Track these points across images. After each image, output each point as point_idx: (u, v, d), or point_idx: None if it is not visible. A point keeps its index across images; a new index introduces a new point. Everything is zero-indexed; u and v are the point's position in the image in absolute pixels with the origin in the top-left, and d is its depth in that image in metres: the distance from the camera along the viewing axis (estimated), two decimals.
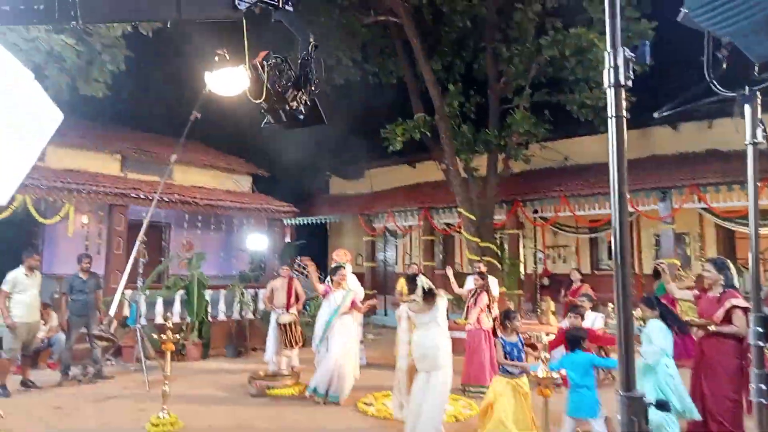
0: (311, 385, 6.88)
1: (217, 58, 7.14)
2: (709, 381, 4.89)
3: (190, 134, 8.41)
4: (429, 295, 5.13)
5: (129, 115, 15.22)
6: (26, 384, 7.43)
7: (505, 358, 4.99)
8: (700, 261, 12.99)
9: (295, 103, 3.26)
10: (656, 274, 8.39)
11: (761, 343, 2.11)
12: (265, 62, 3.18)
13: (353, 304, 7.28)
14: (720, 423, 4.75)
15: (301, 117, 3.35)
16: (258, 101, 3.15)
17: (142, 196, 10.80)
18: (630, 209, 11.71)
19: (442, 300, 5.29)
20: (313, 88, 3.30)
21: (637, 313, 5.49)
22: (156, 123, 15.16)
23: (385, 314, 15.52)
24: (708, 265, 5.23)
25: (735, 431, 4.64)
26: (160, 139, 15.03)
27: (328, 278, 7.57)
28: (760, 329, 2.12)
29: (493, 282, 8.46)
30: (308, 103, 3.33)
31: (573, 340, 4.78)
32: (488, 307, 7.68)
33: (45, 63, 9.05)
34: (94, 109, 13.66)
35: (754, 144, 2.38)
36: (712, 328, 4.91)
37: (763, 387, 2.11)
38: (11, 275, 7.28)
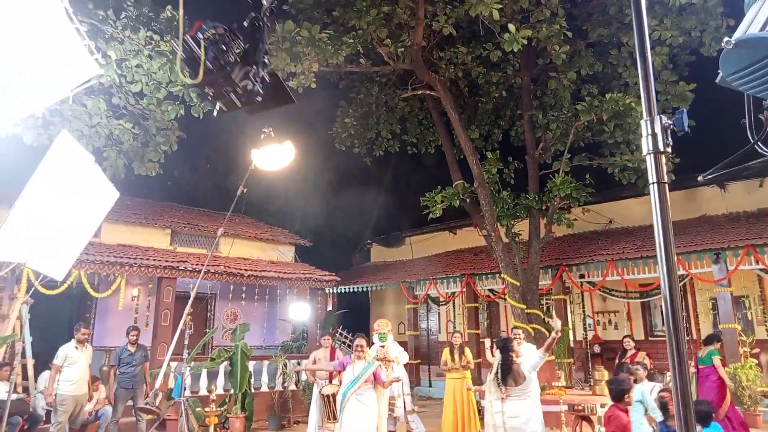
0: None
1: (262, 136, 7.51)
2: None
3: (235, 208, 8.75)
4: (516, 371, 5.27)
5: (179, 191, 15.99)
6: None
7: None
8: (764, 326, 12.25)
9: (247, 82, 2.62)
10: (707, 340, 7.81)
11: None
12: (201, 34, 2.50)
13: (377, 377, 6.41)
14: None
15: (260, 98, 2.71)
16: (195, 82, 2.52)
17: (189, 269, 11.10)
18: (682, 272, 11.36)
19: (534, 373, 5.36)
20: (266, 60, 2.69)
21: None
22: (204, 198, 15.90)
23: (430, 385, 15.08)
24: None
25: None
26: (208, 213, 15.67)
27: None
28: None
29: (530, 348, 8.20)
30: (266, 79, 2.72)
31: (702, 415, 4.32)
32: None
33: (104, 146, 9.70)
34: (146, 187, 14.44)
35: None
36: None
37: None
38: (62, 350, 7.49)
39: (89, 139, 8.69)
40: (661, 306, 13.94)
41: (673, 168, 10.64)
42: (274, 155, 7.33)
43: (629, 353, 9.00)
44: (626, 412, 4.52)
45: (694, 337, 13.09)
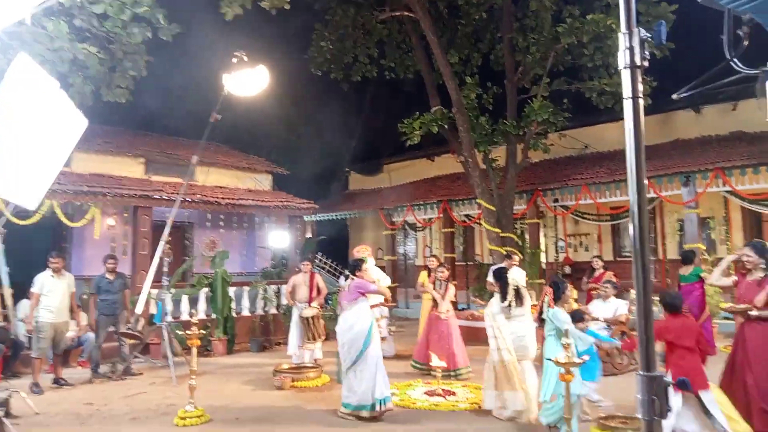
0: (353, 402, 5.82)
1: (235, 60, 7.24)
2: (754, 368, 4.70)
3: (211, 136, 8.56)
4: (519, 293, 5.79)
5: (151, 119, 15.50)
6: (58, 382, 7.67)
7: None
8: (726, 245, 12.77)
9: None
10: (686, 259, 8.27)
11: None
12: None
13: (363, 289, 6.17)
14: (763, 411, 4.57)
15: None
16: None
17: (165, 198, 11.01)
18: (653, 195, 11.64)
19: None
20: None
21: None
22: (178, 126, 15.45)
23: (407, 306, 15.59)
24: (747, 249, 5.10)
25: None
26: (182, 141, 15.34)
27: (346, 276, 7.33)
28: None
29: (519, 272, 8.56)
30: None
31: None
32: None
33: (69, 72, 9.29)
34: (117, 115, 13.98)
35: None
36: (753, 313, 4.79)
37: None
38: (38, 278, 7.53)
39: (52, 64, 8.31)
40: (630, 228, 14.50)
41: (649, 91, 10.65)
42: (247, 80, 7.12)
43: (597, 272, 9.38)
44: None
45: (660, 257, 13.62)
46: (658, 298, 4.75)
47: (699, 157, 11.57)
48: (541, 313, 5.30)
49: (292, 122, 19.66)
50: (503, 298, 5.84)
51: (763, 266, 4.85)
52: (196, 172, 13.37)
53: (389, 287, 8.76)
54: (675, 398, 4.25)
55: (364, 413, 5.71)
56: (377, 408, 5.72)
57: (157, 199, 11.06)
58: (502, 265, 7.95)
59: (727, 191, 11.35)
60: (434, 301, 8.28)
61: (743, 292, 4.96)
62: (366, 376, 5.77)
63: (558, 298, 5.21)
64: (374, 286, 6.40)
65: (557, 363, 4.21)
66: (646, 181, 1.70)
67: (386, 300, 7.89)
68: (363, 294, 6.12)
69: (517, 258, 9.09)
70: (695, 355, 4.50)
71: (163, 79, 13.29)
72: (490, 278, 8.75)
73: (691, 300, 7.60)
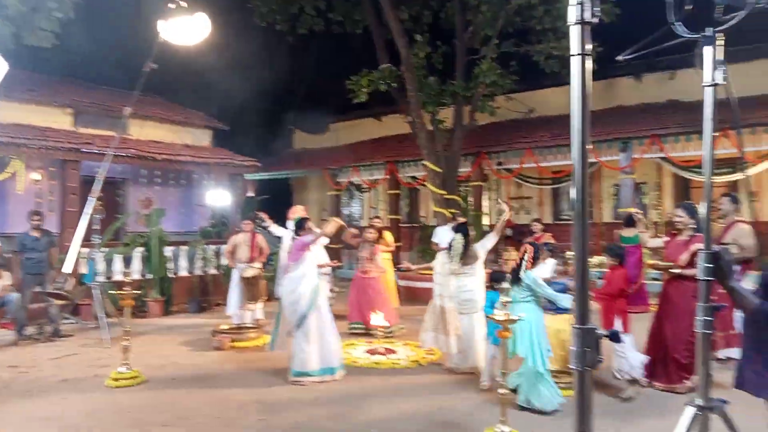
0: (297, 367, 5.64)
1: (172, 5, 6.76)
2: (670, 322, 5.10)
3: (146, 87, 8.01)
4: (470, 250, 5.92)
5: (81, 67, 14.47)
6: None
7: None
8: (656, 210, 13.36)
9: None
10: (627, 222, 8.75)
11: (709, 278, 2.20)
12: None
13: (302, 246, 5.99)
14: (676, 360, 5.01)
15: None
16: None
17: (95, 151, 10.36)
18: (593, 160, 11.96)
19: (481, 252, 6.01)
20: None
21: (594, 260, 5.65)
22: (109, 75, 14.46)
23: (351, 267, 15.58)
24: (679, 210, 5.35)
25: (689, 364, 4.81)
26: (114, 92, 14.36)
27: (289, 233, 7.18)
28: (708, 265, 2.20)
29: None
30: None
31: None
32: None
33: None
34: (42, 62, 12.93)
35: (712, 86, 2.36)
36: (675, 270, 5.08)
37: (708, 318, 2.22)
38: None
39: None
40: (569, 192, 14.82)
41: (595, 57, 10.78)
42: (186, 29, 6.67)
43: (536, 235, 9.61)
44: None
45: (596, 220, 14.12)
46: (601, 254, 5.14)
47: (637, 124, 11.92)
48: (516, 272, 5.10)
49: (234, 76, 18.81)
50: (458, 252, 5.90)
51: (693, 227, 5.09)
52: (130, 125, 12.66)
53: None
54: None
55: (309, 379, 5.54)
56: (325, 376, 5.60)
57: (86, 153, 10.40)
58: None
59: (661, 157, 11.79)
60: (368, 260, 8.37)
61: (671, 252, 5.25)
62: (311, 339, 5.61)
63: (536, 259, 5.15)
64: (313, 235, 6.01)
65: (495, 320, 4.25)
66: (589, 139, 1.65)
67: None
68: (306, 249, 5.86)
69: (462, 219, 9.17)
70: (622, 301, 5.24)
71: (94, 23, 12.35)
72: (436, 238, 8.97)
73: (631, 260, 8.04)
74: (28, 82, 12.08)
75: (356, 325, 8.10)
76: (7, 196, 11.25)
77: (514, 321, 4.16)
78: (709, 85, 2.33)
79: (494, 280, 5.35)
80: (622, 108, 13.57)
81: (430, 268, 6.78)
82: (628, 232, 8.63)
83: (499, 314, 4.12)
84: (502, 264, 10.58)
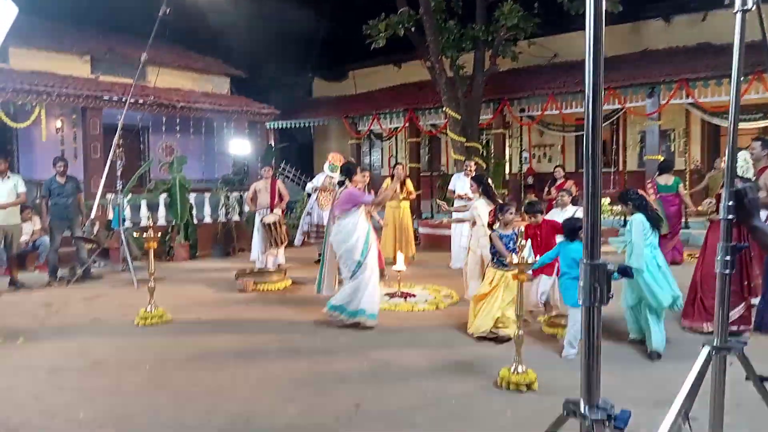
0: (340, 302, 5.58)
1: None
2: (704, 265, 5.11)
3: (164, 35, 7.94)
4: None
5: (97, 14, 14.32)
6: (15, 284, 7.54)
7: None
8: (684, 158, 13.07)
9: None
10: (665, 168, 8.21)
11: (730, 217, 2.14)
12: None
13: (354, 198, 6.03)
14: (703, 302, 5.05)
15: None
16: None
17: (115, 99, 10.42)
18: (617, 106, 11.65)
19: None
20: None
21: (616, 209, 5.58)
22: (127, 21, 14.31)
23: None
24: (755, 143, 5.33)
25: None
26: (132, 39, 14.26)
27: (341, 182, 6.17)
28: (730, 203, 2.13)
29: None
30: None
31: (571, 230, 4.74)
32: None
33: None
34: (58, 8, 12.84)
35: (743, 11, 2.24)
36: (715, 216, 5.09)
37: (728, 258, 2.16)
38: None
39: None
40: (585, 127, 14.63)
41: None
42: None
43: (558, 182, 9.51)
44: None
45: (620, 168, 13.89)
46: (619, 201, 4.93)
47: (665, 68, 11.51)
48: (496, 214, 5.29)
49: (251, 23, 18.48)
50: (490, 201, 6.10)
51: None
52: (148, 73, 12.64)
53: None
54: None
55: (349, 319, 5.49)
56: (358, 317, 5.49)
57: (106, 101, 10.46)
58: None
59: (689, 103, 11.43)
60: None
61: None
62: (361, 285, 5.49)
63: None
64: (369, 198, 5.90)
65: (511, 263, 4.27)
66: (603, 83, 1.56)
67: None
68: (357, 205, 5.64)
69: (473, 164, 9.08)
70: None
71: None
72: (453, 186, 8.93)
73: (671, 210, 7.77)
74: (45, 29, 12.07)
75: None
76: (31, 143, 11.45)
77: (529, 265, 4.15)
78: (740, 11, 2.23)
79: (573, 229, 4.69)
80: (650, 52, 13.10)
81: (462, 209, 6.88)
82: (664, 180, 7.95)
83: (514, 258, 4.08)
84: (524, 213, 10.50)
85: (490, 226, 5.24)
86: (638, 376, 4.14)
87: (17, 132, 11.07)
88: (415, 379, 4.18)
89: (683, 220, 8.39)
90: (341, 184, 5.93)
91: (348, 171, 5.86)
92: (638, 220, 4.62)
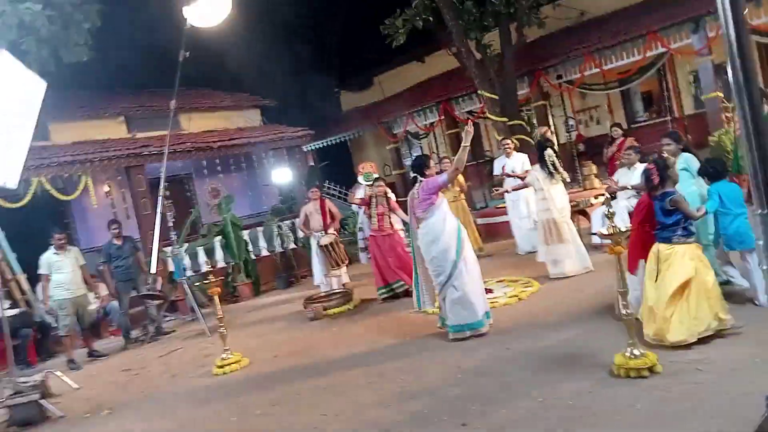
0: (462, 321, 5.00)
1: None
2: None
3: (190, 81, 7.92)
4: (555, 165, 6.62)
5: (122, 74, 14.66)
6: (92, 354, 7.61)
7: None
8: None
9: None
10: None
11: None
12: None
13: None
14: None
15: None
16: None
17: (154, 152, 10.49)
18: (662, 49, 10.86)
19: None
20: None
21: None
22: (153, 76, 14.57)
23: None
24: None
25: None
26: (161, 92, 14.49)
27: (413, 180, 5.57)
28: None
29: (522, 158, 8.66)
30: None
31: (714, 172, 4.57)
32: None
33: (20, 37, 8.58)
34: (84, 77, 13.17)
35: None
36: None
37: None
38: (43, 258, 7.29)
39: None
40: (644, 91, 13.59)
41: None
42: (209, 9, 6.45)
43: (617, 141, 8.89)
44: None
45: (676, 115, 13.00)
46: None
47: None
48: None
49: (270, 51, 18.56)
50: (544, 168, 6.55)
51: None
52: (182, 121, 12.78)
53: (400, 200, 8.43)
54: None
55: (469, 332, 4.95)
56: (485, 324, 5.02)
57: (146, 155, 10.56)
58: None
59: None
60: (379, 217, 7.38)
61: None
62: (469, 288, 4.95)
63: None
64: (445, 175, 5.27)
65: (601, 235, 3.85)
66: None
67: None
68: (437, 194, 5.16)
69: (510, 143, 8.93)
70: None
71: (123, 28, 12.38)
72: (497, 170, 8.88)
73: None
74: (76, 99, 12.35)
75: (384, 290, 7.27)
76: (85, 212, 11.71)
77: (623, 233, 3.70)
78: None
79: (717, 172, 4.54)
80: None
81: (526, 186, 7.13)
82: None
83: (606, 228, 3.68)
84: (584, 181, 9.89)
85: (655, 188, 4.03)
86: None
87: (70, 204, 11.33)
88: (518, 384, 3.79)
89: None
90: (414, 181, 5.44)
91: (420, 165, 5.35)
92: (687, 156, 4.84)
